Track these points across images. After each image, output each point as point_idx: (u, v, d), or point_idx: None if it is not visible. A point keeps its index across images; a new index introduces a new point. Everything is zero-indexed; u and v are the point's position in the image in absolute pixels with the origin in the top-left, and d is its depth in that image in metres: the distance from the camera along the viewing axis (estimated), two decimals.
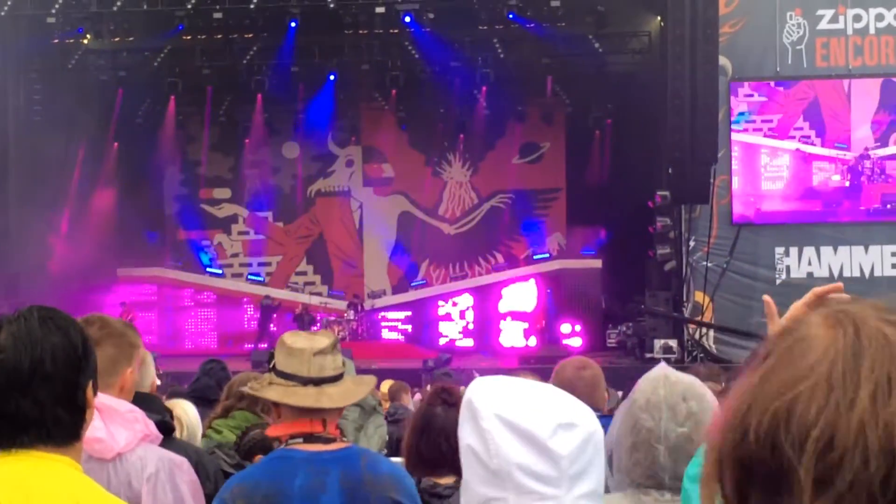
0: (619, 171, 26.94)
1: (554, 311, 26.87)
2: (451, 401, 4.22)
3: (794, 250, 23.59)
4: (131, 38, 25.84)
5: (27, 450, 2.28)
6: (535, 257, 29.03)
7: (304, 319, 26.60)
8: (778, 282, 23.07)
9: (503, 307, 27.81)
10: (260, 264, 30.56)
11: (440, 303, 28.48)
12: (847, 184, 23.68)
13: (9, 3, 23.47)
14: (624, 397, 3.42)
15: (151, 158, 29.20)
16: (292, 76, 27.35)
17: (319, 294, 29.17)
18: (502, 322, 27.74)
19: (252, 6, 24.06)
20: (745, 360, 1.23)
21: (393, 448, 7.86)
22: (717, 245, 23.44)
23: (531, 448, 2.09)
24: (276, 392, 3.55)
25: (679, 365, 19.37)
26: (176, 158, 30.15)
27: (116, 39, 25.86)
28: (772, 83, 23.67)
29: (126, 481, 3.29)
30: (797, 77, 23.55)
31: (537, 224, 29.65)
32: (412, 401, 10.33)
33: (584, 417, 2.17)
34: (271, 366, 3.62)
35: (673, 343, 22.84)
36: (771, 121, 23.71)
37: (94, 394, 2.40)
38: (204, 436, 5.67)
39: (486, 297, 28.09)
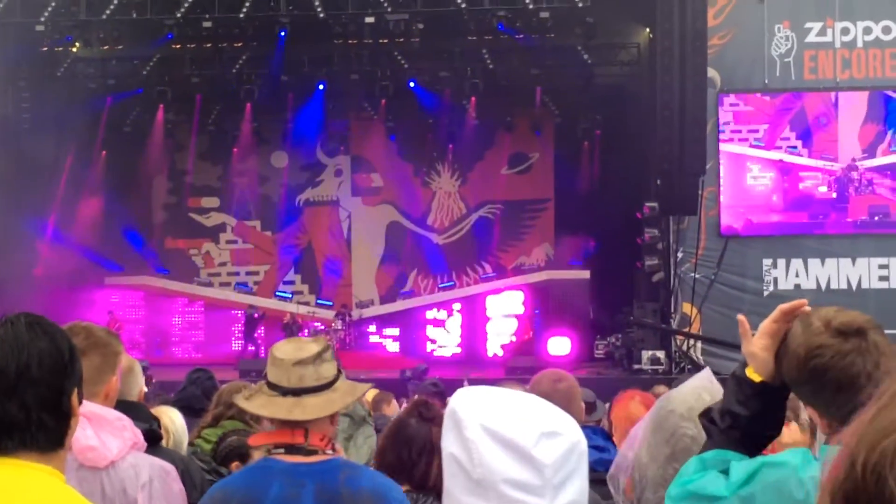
0: (607, 182, 27.00)
1: (542, 321, 26.86)
2: (427, 415, 4.24)
3: (781, 262, 23.64)
4: (120, 47, 25.80)
5: (11, 455, 2.27)
6: (523, 268, 29.06)
7: (292, 329, 26.56)
8: (765, 293, 23.12)
9: (491, 317, 27.81)
10: (248, 273, 30.53)
11: (428, 313, 28.46)
12: (834, 195, 23.75)
13: None
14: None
15: (139, 167, 29.20)
16: (281, 85, 27.36)
17: (307, 303, 29.14)
18: (490, 332, 27.74)
19: (242, 15, 24.07)
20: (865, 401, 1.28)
21: None
22: (704, 256, 23.48)
23: (515, 457, 2.09)
24: (253, 402, 3.55)
25: (667, 376, 19.42)
26: (164, 167, 30.14)
27: (105, 48, 25.81)
28: (759, 94, 23.74)
29: (121, 489, 3.30)
30: (785, 89, 23.63)
31: (526, 234, 29.71)
32: (398, 410, 10.32)
33: (568, 427, 2.18)
34: (264, 374, 3.62)
35: (661, 354, 22.88)
36: (757, 131, 23.77)
37: (80, 402, 2.40)
38: (192, 444, 5.66)
39: (473, 307, 28.09)
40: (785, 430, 3.02)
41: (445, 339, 28.11)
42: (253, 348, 27.51)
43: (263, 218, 30.64)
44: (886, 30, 23.50)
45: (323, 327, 26.53)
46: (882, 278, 23.45)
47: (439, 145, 29.50)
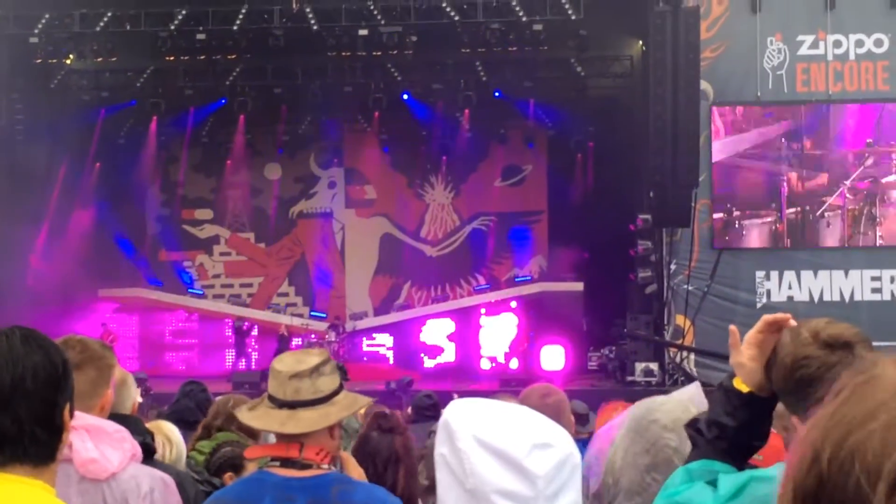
0: (600, 194, 27.03)
1: (535, 333, 26.85)
2: (385, 426, 4.26)
3: (774, 274, 23.67)
4: (114, 59, 25.82)
5: (2, 469, 2.28)
6: (516, 280, 29.08)
7: (285, 341, 26.55)
8: (758, 305, 23.14)
9: (484, 329, 27.79)
10: (241, 285, 30.50)
11: (421, 324, 28.43)
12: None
13: None
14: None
15: (133, 179, 29.15)
16: (275, 97, 27.38)
17: (301, 315, 29.10)
18: (483, 344, 27.72)
19: (235, 27, 24.12)
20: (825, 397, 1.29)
21: None
22: (697, 269, 23.51)
23: (507, 468, 2.10)
24: (250, 413, 3.56)
25: (660, 388, 19.44)
26: (157, 179, 30.15)
27: (99, 60, 25.86)
28: (752, 107, 23.79)
29: (122, 500, 3.32)
30: (778, 102, 23.68)
31: (520, 245, 29.73)
32: None
33: (561, 439, 2.19)
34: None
35: (654, 366, 22.89)
36: (750, 144, 23.79)
37: (71, 416, 2.40)
38: (187, 456, 5.66)
39: (467, 320, 28.07)
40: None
41: (439, 351, 28.08)
42: (244, 360, 27.49)
43: (257, 230, 30.63)
44: (878, 43, 23.57)
45: (316, 339, 26.50)
46: (875, 290, 23.49)
47: (433, 157, 29.53)
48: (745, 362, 2.60)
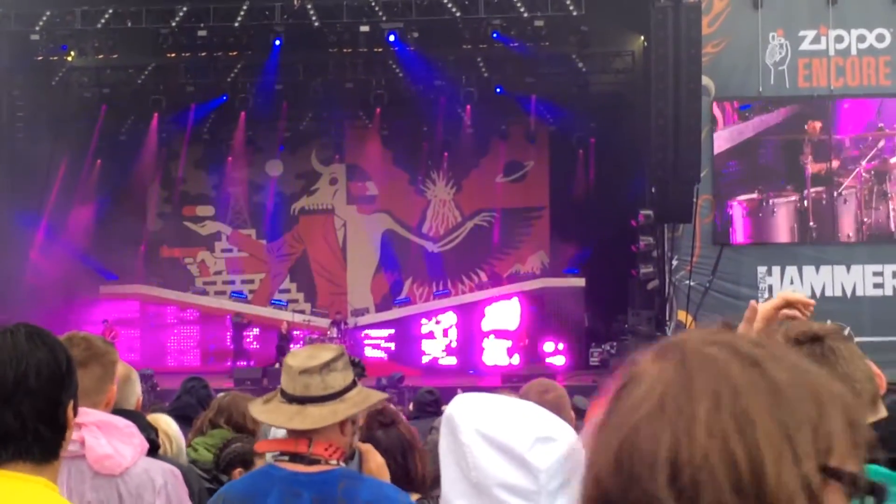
0: (602, 189, 27.05)
1: (537, 329, 26.86)
2: (386, 421, 4.25)
3: (776, 269, 23.65)
4: (115, 56, 25.81)
5: (5, 466, 2.28)
6: (518, 275, 29.08)
7: (286, 338, 26.56)
8: (761, 301, 23.06)
9: (486, 325, 27.80)
10: (243, 282, 30.51)
11: (423, 321, 28.43)
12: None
13: None
14: None
15: (134, 175, 29.15)
16: (276, 94, 27.37)
17: (302, 312, 29.09)
18: (485, 340, 27.72)
19: (236, 24, 24.10)
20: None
21: None
22: (699, 264, 23.49)
23: (510, 461, 2.10)
24: (261, 407, 3.55)
25: None
26: (158, 175, 30.17)
27: (100, 56, 25.84)
28: (754, 102, 23.76)
29: (137, 494, 3.33)
30: (780, 97, 23.65)
31: (521, 242, 29.76)
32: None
33: (564, 433, 2.18)
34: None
35: None
36: (754, 131, 23.77)
37: (75, 414, 2.40)
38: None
39: (469, 316, 28.07)
40: None
41: (440, 348, 28.10)
42: (243, 356, 27.49)
43: (258, 226, 30.64)
44: (880, 38, 23.55)
45: (318, 335, 26.51)
46: (876, 285, 23.47)
47: (434, 153, 29.52)
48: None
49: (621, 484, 1.15)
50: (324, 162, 30.48)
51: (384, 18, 23.97)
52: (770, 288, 23.50)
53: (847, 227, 23.64)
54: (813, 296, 22.92)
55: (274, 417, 3.47)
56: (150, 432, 3.97)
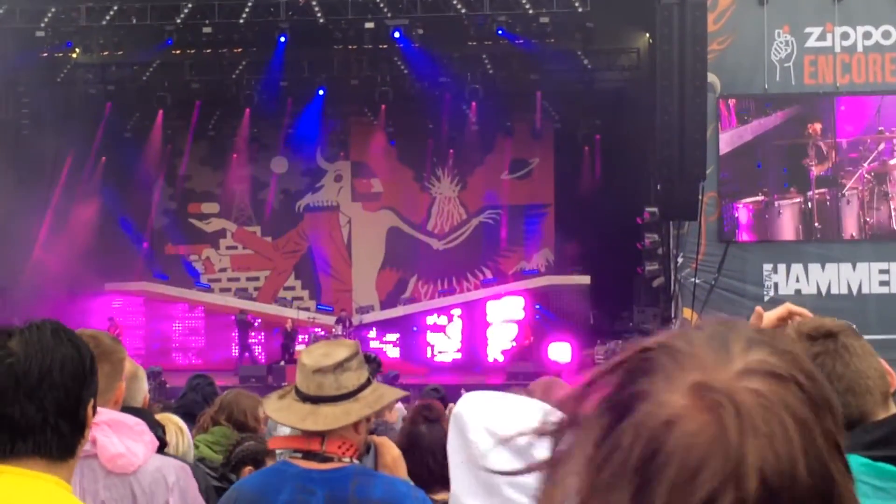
0: (607, 187, 27.03)
1: (542, 326, 26.86)
2: (431, 417, 4.21)
3: (781, 267, 23.61)
4: (120, 53, 25.84)
5: (21, 460, 2.28)
6: (523, 273, 29.07)
7: (290, 335, 26.58)
8: (766, 298, 23.09)
9: (491, 323, 27.80)
10: (248, 279, 30.54)
11: (428, 318, 28.44)
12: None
13: None
14: None
15: (139, 172, 29.19)
16: (281, 91, 27.41)
17: (307, 309, 29.12)
18: (490, 338, 27.72)
19: (241, 21, 24.10)
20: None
21: None
22: (705, 262, 23.45)
23: (518, 458, 2.09)
24: (274, 405, 3.54)
25: None
26: (163, 172, 30.19)
27: (105, 53, 25.89)
28: (759, 99, 23.73)
29: (151, 492, 3.34)
30: (785, 94, 23.62)
31: (526, 240, 29.76)
32: (401, 414, 10.28)
33: None
34: None
35: None
36: (753, 134, 23.75)
37: (94, 413, 2.41)
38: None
39: (474, 313, 28.07)
40: None
41: (446, 345, 28.11)
42: (248, 353, 27.52)
43: (263, 223, 30.67)
44: (886, 34, 23.50)
45: (323, 333, 26.51)
46: (882, 283, 23.43)
47: (439, 150, 29.53)
48: None
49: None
50: (329, 159, 30.50)
51: (389, 15, 23.98)
52: (776, 286, 23.47)
53: (850, 228, 23.61)
54: (819, 294, 22.96)
55: (286, 416, 3.46)
56: (158, 430, 3.97)
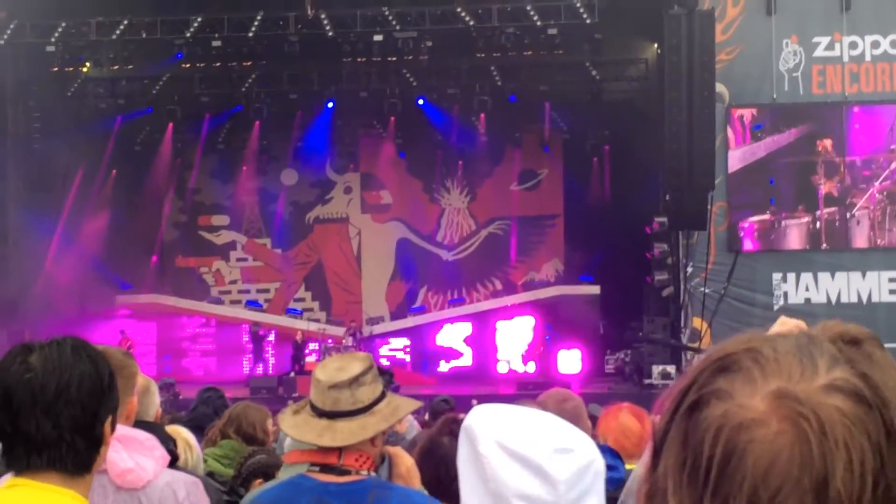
0: (616, 197, 27.05)
1: (552, 337, 26.84)
2: (456, 431, 4.24)
3: (791, 276, 23.59)
4: (130, 67, 25.93)
5: (37, 474, 2.31)
6: (533, 283, 29.06)
7: (300, 347, 26.59)
8: (776, 307, 23.07)
9: (501, 333, 27.78)
10: (258, 291, 30.57)
11: (438, 329, 28.43)
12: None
13: (8, 31, 23.57)
14: None
15: (149, 185, 29.26)
16: (290, 103, 27.45)
17: (318, 320, 29.12)
18: (500, 348, 27.71)
19: (251, 34, 24.18)
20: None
21: None
22: (714, 271, 23.43)
23: (529, 472, 2.11)
24: (290, 420, 3.54)
25: None
26: (173, 185, 30.26)
27: (115, 67, 25.95)
28: (774, 116, 23.72)
29: None
30: (794, 104, 23.61)
31: (535, 250, 29.77)
32: (412, 426, 10.30)
33: (583, 444, 2.19)
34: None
35: (671, 369, 22.84)
36: (766, 151, 23.74)
37: (112, 431, 2.44)
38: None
39: (484, 324, 28.06)
40: None
41: (456, 356, 28.08)
42: (261, 365, 27.54)
43: (273, 235, 30.70)
44: (894, 43, 23.50)
45: (333, 344, 26.53)
46: (892, 292, 23.40)
47: (448, 162, 29.55)
48: None
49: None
50: (338, 171, 30.54)
51: (398, 28, 24.03)
52: (785, 295, 23.45)
53: (860, 244, 23.69)
54: (829, 302, 22.93)
55: (303, 433, 3.46)
56: (170, 444, 3.99)
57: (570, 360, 26.13)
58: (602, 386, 23.91)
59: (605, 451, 5.12)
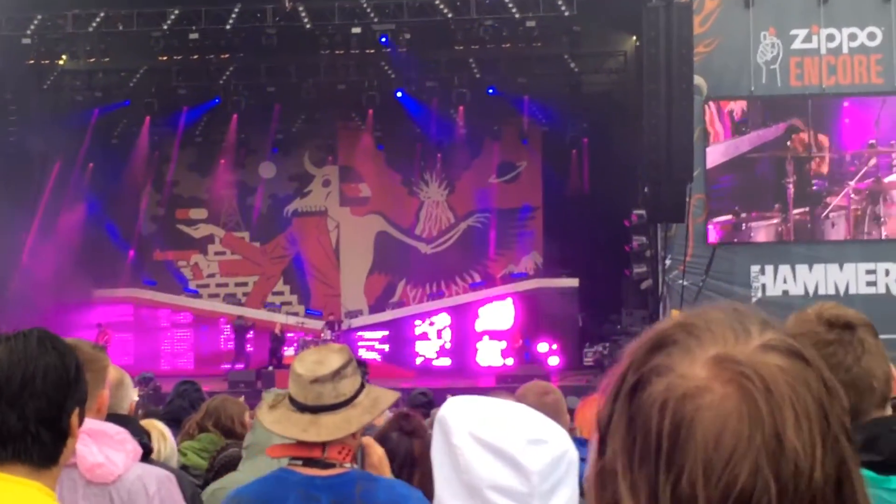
0: (595, 189, 27.08)
1: (531, 329, 26.86)
2: (407, 429, 4.21)
3: (769, 268, 23.67)
4: (107, 59, 25.79)
5: (4, 465, 2.29)
6: (512, 276, 29.06)
7: (279, 340, 26.54)
8: (754, 300, 23.14)
9: (480, 326, 27.78)
10: (236, 284, 30.50)
11: (417, 322, 28.40)
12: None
13: None
14: None
15: (127, 179, 29.13)
16: (268, 96, 27.36)
17: (296, 314, 29.08)
18: (479, 341, 27.71)
19: (228, 27, 24.09)
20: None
21: None
22: (692, 263, 23.49)
23: (502, 463, 2.09)
24: (271, 415, 3.50)
25: None
26: (151, 178, 30.13)
27: (92, 60, 25.83)
28: (746, 102, 23.78)
29: (131, 501, 3.31)
30: (771, 96, 23.67)
31: (514, 243, 29.77)
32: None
33: (556, 435, 2.18)
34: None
35: None
36: (750, 146, 23.78)
37: (80, 423, 2.41)
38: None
39: (463, 317, 28.05)
40: None
41: (434, 349, 28.08)
42: (243, 359, 27.46)
43: (251, 229, 30.63)
44: (871, 36, 23.57)
45: (312, 337, 26.48)
46: (870, 283, 23.50)
47: (427, 155, 29.53)
48: None
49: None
50: (317, 164, 30.48)
51: (376, 20, 23.99)
52: (763, 287, 23.53)
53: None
54: (806, 294, 23.00)
55: (287, 428, 3.42)
56: (143, 437, 3.95)
57: (548, 353, 26.16)
58: (580, 378, 23.92)
59: (582, 442, 5.11)
